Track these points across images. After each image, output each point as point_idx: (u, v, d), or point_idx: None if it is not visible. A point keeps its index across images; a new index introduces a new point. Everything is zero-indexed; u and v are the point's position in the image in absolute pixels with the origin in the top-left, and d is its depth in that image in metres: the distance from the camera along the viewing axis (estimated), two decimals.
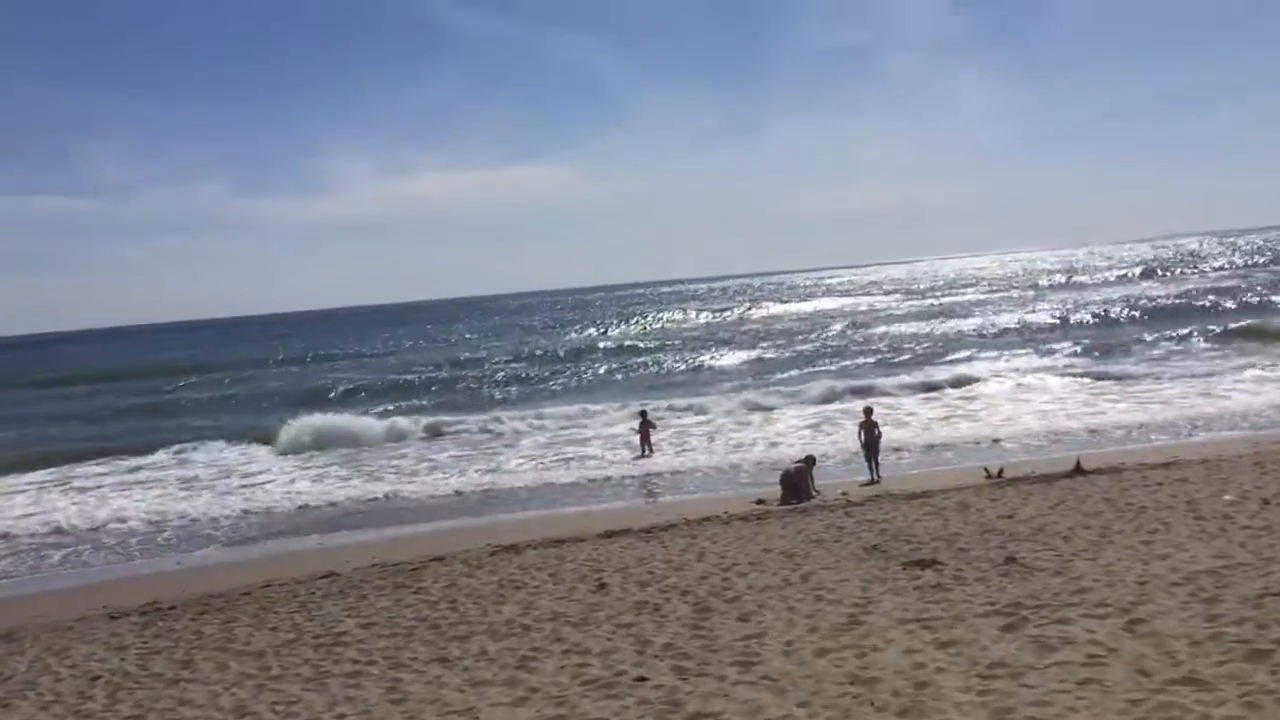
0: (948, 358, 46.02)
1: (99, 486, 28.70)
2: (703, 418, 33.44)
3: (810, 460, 21.06)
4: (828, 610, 10.32)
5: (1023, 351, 45.65)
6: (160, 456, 33.58)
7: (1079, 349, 45.09)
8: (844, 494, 19.35)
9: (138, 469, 31.61)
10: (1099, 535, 12.66)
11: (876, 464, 22.04)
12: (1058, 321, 59.73)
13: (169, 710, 9.48)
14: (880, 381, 38.04)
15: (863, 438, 22.32)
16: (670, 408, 35.39)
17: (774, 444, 27.55)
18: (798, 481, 19.83)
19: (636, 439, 27.74)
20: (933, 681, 7.68)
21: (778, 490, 19.82)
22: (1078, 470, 18.62)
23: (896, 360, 47.25)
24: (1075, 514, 14.20)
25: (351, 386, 52.43)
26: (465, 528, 20.22)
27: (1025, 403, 31.22)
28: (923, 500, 16.99)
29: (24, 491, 28.74)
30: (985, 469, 20.08)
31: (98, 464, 32.77)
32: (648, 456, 26.95)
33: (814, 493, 19.72)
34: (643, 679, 8.61)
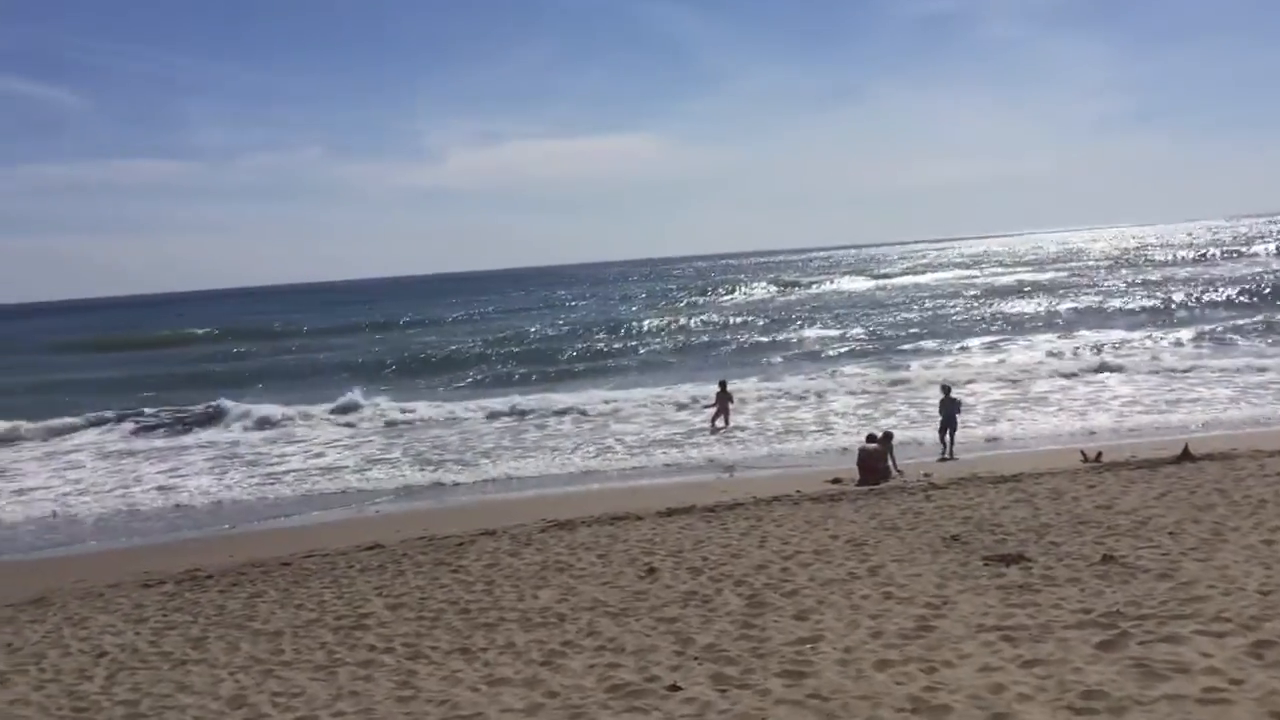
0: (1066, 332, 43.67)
1: (174, 448, 28.59)
2: (796, 391, 31.94)
3: (888, 437, 19.73)
4: (896, 611, 9.11)
5: (1145, 332, 42.93)
6: (239, 419, 33.32)
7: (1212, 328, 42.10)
8: (927, 475, 17.98)
9: (211, 429, 31.45)
10: (1211, 532, 11.19)
11: (952, 438, 21.11)
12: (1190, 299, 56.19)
13: (164, 697, 8.70)
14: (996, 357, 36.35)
15: (941, 413, 21.44)
16: (765, 380, 34.14)
17: (861, 418, 26.13)
18: (875, 460, 18.53)
19: (711, 411, 26.61)
20: (1013, 714, 6.43)
21: (855, 469, 18.55)
22: (1185, 456, 16.97)
23: (1020, 334, 45.09)
24: (1183, 506, 12.70)
25: (442, 355, 51.70)
26: (526, 500, 19.37)
27: (1135, 386, 29.31)
28: (1012, 485, 15.56)
29: (95, 448, 28.79)
30: (1082, 452, 18.51)
31: (173, 424, 32.75)
32: (722, 429, 25.81)
33: (895, 473, 18.41)
34: (675, 688, 7.54)
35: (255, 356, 59.49)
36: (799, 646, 8.30)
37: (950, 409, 21.36)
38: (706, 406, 26.93)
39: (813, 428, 25.49)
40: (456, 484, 21.70)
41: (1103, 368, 31.83)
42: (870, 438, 19.33)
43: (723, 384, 27.36)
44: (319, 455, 26.00)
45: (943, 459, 20.65)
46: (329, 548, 15.50)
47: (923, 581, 10.12)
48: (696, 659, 8.27)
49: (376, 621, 10.50)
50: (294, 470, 24.11)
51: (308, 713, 7.97)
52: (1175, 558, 10.14)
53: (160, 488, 22.87)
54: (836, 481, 18.41)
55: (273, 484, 22.58)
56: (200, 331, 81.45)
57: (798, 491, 17.24)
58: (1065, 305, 56.95)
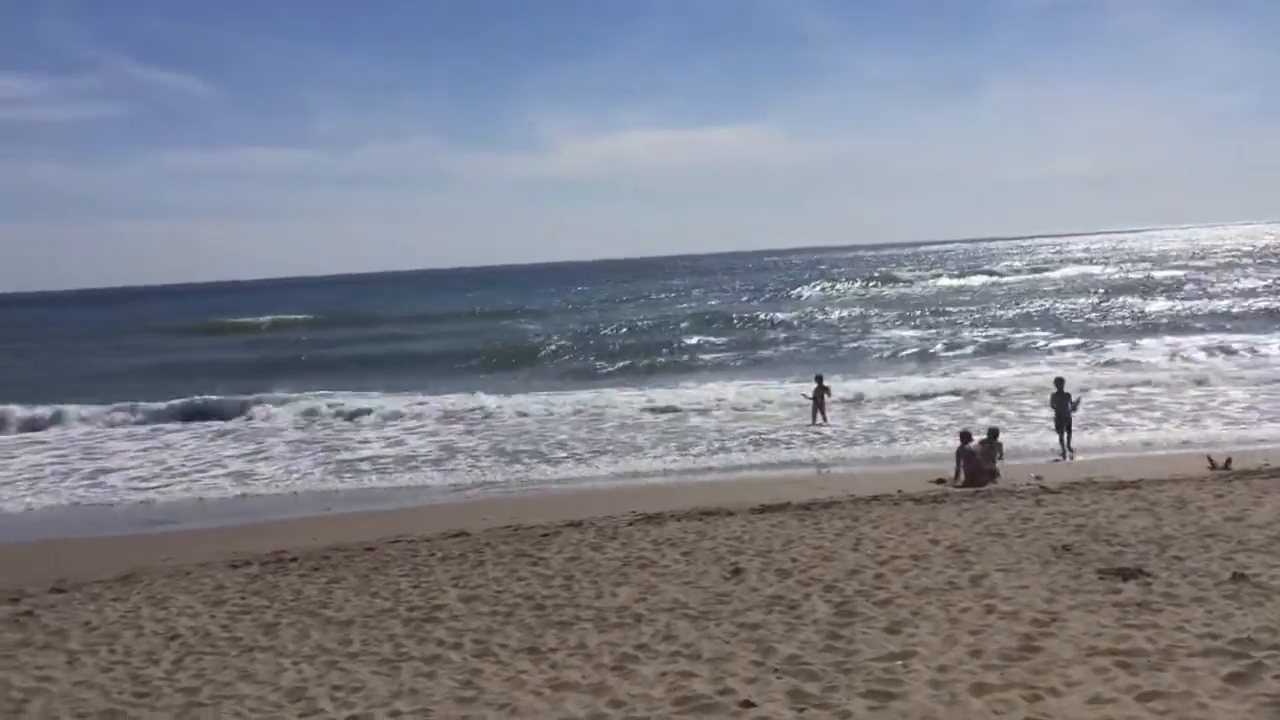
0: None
1: (278, 429, 28.98)
2: (912, 391, 30.72)
3: (993, 434, 18.74)
4: (998, 627, 8.36)
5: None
6: (331, 408, 33.59)
7: None
8: (1037, 478, 16.97)
9: (316, 413, 31.75)
10: None
11: (1069, 437, 20.12)
12: None
13: (225, 685, 8.47)
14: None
15: (1055, 409, 20.42)
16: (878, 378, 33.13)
17: (967, 416, 25.02)
18: (979, 460, 17.60)
19: (809, 405, 25.82)
20: None
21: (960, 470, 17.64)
22: None
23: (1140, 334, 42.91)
24: None
25: (551, 349, 51.04)
26: (620, 491, 18.95)
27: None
28: (1131, 492, 14.51)
29: (189, 431, 29.38)
30: (1209, 458, 17.25)
31: (279, 406, 33.24)
32: (821, 424, 25.05)
33: (998, 473, 17.45)
34: (749, 704, 6.96)
35: (359, 342, 60.16)
36: (889, 663, 7.64)
37: (1063, 405, 20.30)
38: (807, 397, 26.12)
39: (926, 428, 24.44)
40: (555, 473, 21.40)
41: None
42: (965, 435, 18.32)
43: (819, 379, 26.60)
44: (420, 443, 25.97)
45: (1057, 459, 19.68)
46: (414, 534, 15.30)
47: (1030, 594, 9.32)
48: (776, 671, 7.67)
49: (449, 614, 10.14)
50: (389, 457, 24.09)
51: (364, 710, 7.61)
52: None
53: (246, 474, 23.08)
54: (940, 482, 17.56)
55: (370, 471, 22.57)
56: (304, 318, 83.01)
57: (899, 491, 16.45)
58: (1188, 304, 54.06)
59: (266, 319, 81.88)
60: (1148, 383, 28.76)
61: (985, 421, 22.85)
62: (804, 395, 26.68)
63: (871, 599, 9.54)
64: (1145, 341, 38.57)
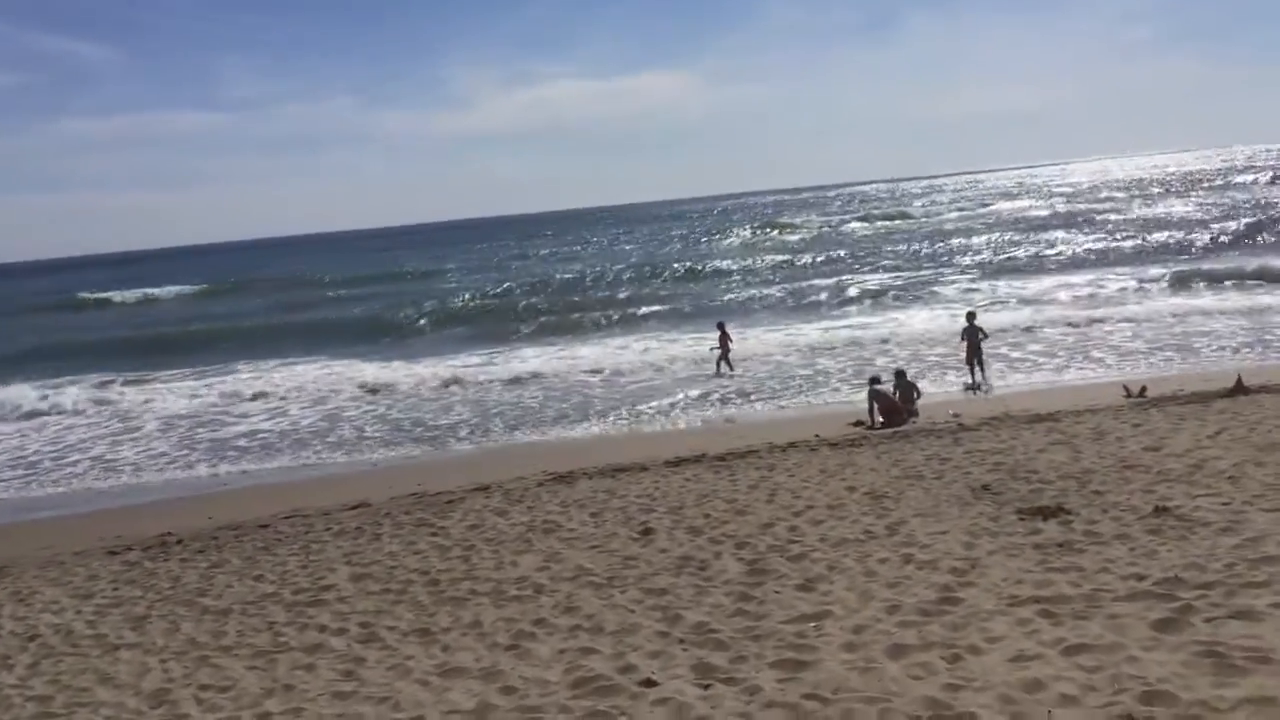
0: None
1: (155, 408, 27.65)
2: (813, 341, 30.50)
3: (900, 374, 18.36)
4: (916, 579, 7.90)
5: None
6: (274, 367, 32.27)
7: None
8: (955, 415, 16.69)
9: (228, 378, 30.43)
10: (1277, 476, 9.87)
11: (982, 370, 20.63)
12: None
13: (82, 691, 7.67)
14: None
15: (966, 341, 20.72)
16: (781, 327, 32.81)
17: (866, 359, 24.73)
18: (894, 400, 17.26)
19: (716, 353, 25.30)
20: None
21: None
22: (1239, 389, 15.56)
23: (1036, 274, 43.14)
24: (1242, 446, 11.34)
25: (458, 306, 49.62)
26: (535, 450, 18.27)
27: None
28: (1049, 425, 14.24)
29: (78, 412, 27.96)
30: (1125, 386, 17.12)
31: (194, 375, 31.87)
32: (728, 373, 24.68)
33: (917, 412, 17.15)
34: (650, 683, 6.38)
35: (291, 309, 57.47)
36: (801, 626, 7.12)
37: (974, 336, 20.58)
38: (712, 349, 25.59)
39: (828, 373, 24.13)
40: (471, 436, 20.64)
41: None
42: (874, 379, 17.92)
43: (721, 325, 26.26)
44: (343, 410, 24.96)
45: (970, 388, 19.94)
46: (313, 506, 14.52)
47: (948, 540, 8.89)
48: (682, 642, 7.10)
49: (336, 596, 9.42)
50: (309, 427, 23.05)
51: (231, 712, 6.89)
52: (1239, 508, 8.84)
53: (127, 458, 21.94)
54: (859, 424, 17.20)
55: (258, 449, 21.55)
56: (198, 288, 77.88)
57: (816, 436, 16.05)
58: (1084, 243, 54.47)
59: (160, 290, 77.14)
60: (1048, 322, 28.66)
61: (884, 362, 22.68)
62: (711, 348, 26.20)
63: (785, 554, 9.03)
64: (1045, 280, 38.67)
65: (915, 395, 17.70)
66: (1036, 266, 43.83)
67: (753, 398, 21.42)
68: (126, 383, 30.76)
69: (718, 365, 24.91)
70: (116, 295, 74.03)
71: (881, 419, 16.99)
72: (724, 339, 25.28)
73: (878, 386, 17.46)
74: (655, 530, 10.44)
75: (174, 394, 28.15)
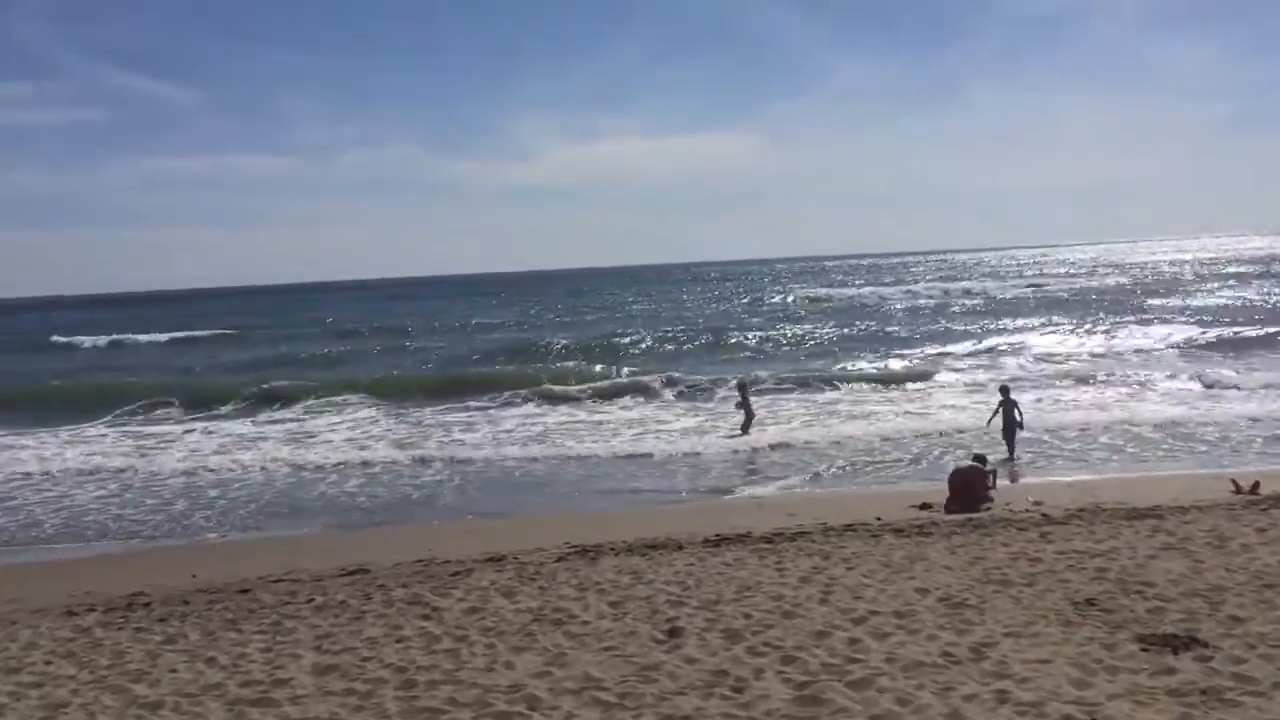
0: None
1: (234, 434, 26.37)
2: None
3: (981, 459, 16.43)
4: None
5: None
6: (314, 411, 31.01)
7: None
8: (1036, 503, 14.70)
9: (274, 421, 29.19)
10: None
11: (1013, 443, 19.89)
12: None
13: None
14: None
15: (1000, 420, 20.06)
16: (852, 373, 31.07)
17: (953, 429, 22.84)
18: (972, 484, 15.32)
19: (740, 414, 24.35)
20: None
21: (944, 492, 15.39)
22: None
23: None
24: None
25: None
26: (559, 519, 16.61)
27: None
28: (1153, 523, 12.23)
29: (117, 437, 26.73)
30: (1234, 481, 15.03)
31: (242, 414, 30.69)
32: (746, 434, 23.51)
33: (990, 498, 15.21)
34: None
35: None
36: None
37: (1010, 412, 19.94)
38: (738, 406, 24.42)
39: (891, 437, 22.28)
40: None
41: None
42: (978, 458, 16.08)
43: (742, 387, 25.46)
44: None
45: (1008, 460, 19.37)
46: (309, 569, 12.92)
47: (1053, 674, 7.01)
48: None
49: (289, 694, 7.70)
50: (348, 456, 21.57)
51: None
52: None
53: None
54: (925, 507, 15.28)
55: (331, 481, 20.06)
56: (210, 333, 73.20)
57: (877, 520, 14.15)
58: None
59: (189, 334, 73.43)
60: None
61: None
62: (736, 403, 24.98)
63: (844, 678, 7.19)
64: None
65: (991, 481, 15.73)
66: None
67: (806, 471, 19.58)
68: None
69: (744, 426, 23.61)
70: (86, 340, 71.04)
71: (951, 501, 15.12)
72: (744, 395, 24.47)
73: (961, 465, 15.65)
74: (684, 631, 8.63)
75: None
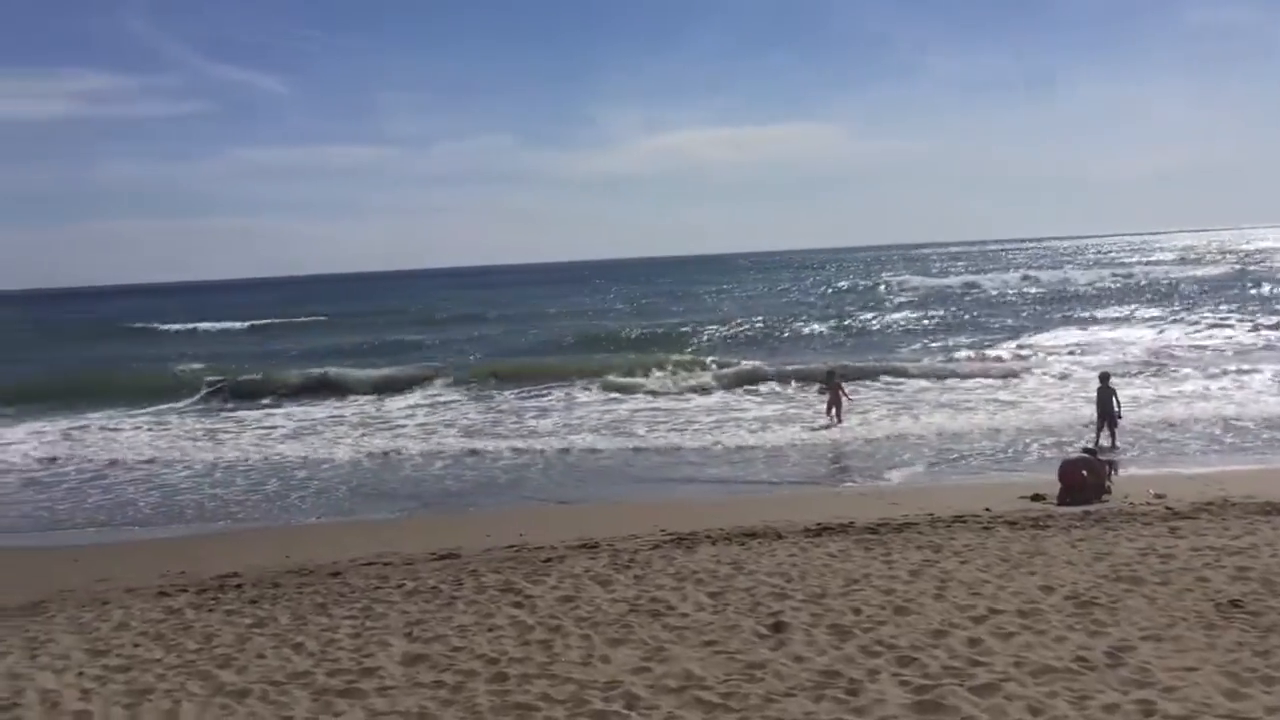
0: None
1: (314, 423, 26.53)
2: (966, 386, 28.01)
3: (1092, 452, 15.56)
4: None
5: None
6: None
7: None
8: (1159, 496, 13.83)
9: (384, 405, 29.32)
10: None
11: (1113, 433, 19.22)
12: None
13: None
14: None
15: (1099, 405, 19.42)
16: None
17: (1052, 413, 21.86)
18: (1087, 475, 14.50)
19: (824, 404, 23.45)
20: None
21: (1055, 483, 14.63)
22: None
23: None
24: None
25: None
26: (650, 505, 16.22)
27: None
28: None
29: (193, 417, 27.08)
30: None
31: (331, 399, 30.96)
32: (835, 423, 22.67)
33: (1109, 490, 14.38)
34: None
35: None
36: None
37: (1108, 400, 19.29)
38: (821, 392, 23.68)
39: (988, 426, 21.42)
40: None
41: None
42: (1088, 450, 15.26)
43: (831, 373, 24.39)
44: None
45: (1109, 449, 18.47)
46: (400, 552, 12.73)
47: (1201, 683, 6.37)
48: None
49: (377, 685, 7.41)
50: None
51: None
52: None
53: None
54: (1037, 499, 14.52)
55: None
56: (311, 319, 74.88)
57: (986, 511, 13.46)
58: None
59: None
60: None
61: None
62: (819, 389, 24.32)
63: (967, 682, 6.64)
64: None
65: (1109, 471, 14.89)
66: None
67: (903, 461, 18.86)
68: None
69: (828, 412, 23.15)
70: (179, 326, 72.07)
71: (1062, 492, 14.36)
72: (834, 387, 23.43)
73: (1071, 455, 14.85)
74: (789, 626, 8.14)
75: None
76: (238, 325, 72.26)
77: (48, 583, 12.30)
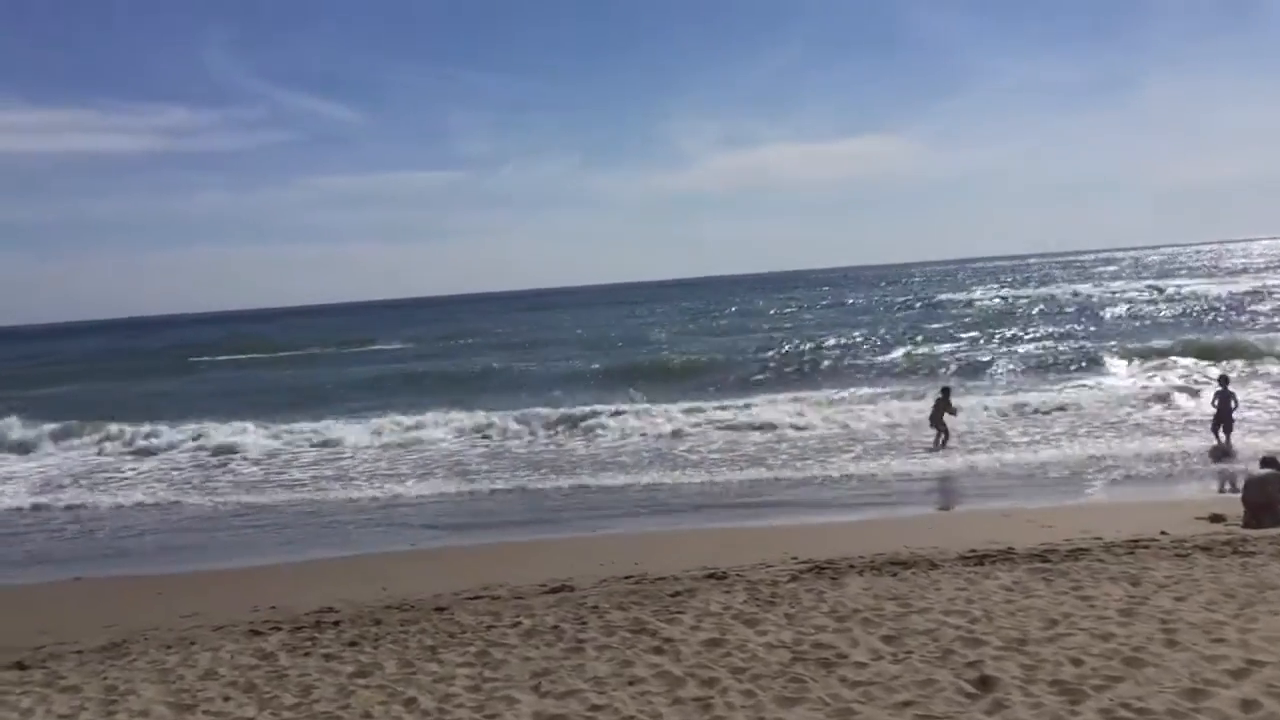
0: None
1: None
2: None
3: (1273, 463, 13.82)
4: None
5: None
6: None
7: None
8: None
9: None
10: None
11: (1228, 437, 18.96)
12: None
13: None
14: None
15: (1218, 407, 19.17)
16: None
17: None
18: (1273, 496, 12.82)
19: (932, 428, 21.49)
20: None
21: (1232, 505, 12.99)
22: None
23: None
24: None
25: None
26: (773, 530, 14.90)
27: None
28: None
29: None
30: None
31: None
32: (944, 445, 20.88)
33: None
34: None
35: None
36: None
37: (1226, 402, 19.07)
38: (933, 420, 21.57)
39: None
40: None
41: None
42: (1267, 460, 13.53)
43: (945, 390, 22.48)
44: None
45: (1218, 446, 18.76)
46: (506, 584, 11.55)
47: None
48: None
49: None
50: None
51: None
52: None
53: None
54: (1217, 519, 12.89)
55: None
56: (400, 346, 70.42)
57: (1164, 534, 11.88)
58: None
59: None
60: None
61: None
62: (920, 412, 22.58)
63: None
64: None
65: None
66: None
67: (1028, 480, 17.29)
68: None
69: (938, 436, 21.23)
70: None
71: (1247, 514, 12.71)
72: (944, 405, 21.49)
73: (1255, 473, 13.17)
74: (999, 682, 6.69)
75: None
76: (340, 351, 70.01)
77: (133, 618, 11.37)
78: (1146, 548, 11.11)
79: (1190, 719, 5.84)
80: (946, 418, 21.24)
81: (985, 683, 6.68)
